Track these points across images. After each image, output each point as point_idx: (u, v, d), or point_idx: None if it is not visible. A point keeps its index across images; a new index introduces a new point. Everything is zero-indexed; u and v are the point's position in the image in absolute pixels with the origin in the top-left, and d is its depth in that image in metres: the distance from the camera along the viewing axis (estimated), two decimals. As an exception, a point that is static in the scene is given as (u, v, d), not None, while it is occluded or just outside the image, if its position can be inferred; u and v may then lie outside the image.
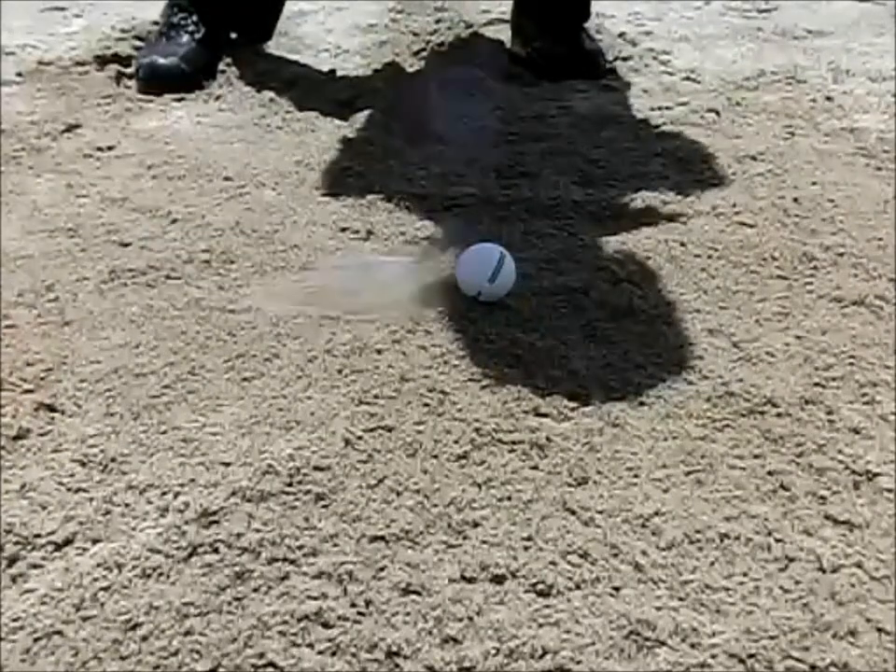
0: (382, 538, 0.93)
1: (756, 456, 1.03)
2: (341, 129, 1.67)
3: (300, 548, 0.91)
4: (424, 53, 1.96)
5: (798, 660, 0.82)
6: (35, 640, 0.83)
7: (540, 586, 0.88)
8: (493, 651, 0.83)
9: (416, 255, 1.33)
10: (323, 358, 1.14)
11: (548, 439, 1.04)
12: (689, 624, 0.85)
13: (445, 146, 1.62)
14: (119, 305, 1.24)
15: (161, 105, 1.75)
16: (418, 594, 0.87)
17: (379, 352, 1.15)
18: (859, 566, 0.90)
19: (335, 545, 0.92)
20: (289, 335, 1.18)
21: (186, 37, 1.84)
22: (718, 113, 1.74)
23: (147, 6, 1.99)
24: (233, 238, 1.37)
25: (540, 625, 0.85)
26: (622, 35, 2.04)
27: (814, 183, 1.51)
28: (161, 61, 1.79)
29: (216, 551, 0.91)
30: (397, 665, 0.82)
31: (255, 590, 0.88)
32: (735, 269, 1.32)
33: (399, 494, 0.97)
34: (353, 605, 0.86)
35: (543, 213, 1.45)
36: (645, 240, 1.37)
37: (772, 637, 0.84)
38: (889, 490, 0.98)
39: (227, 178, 1.52)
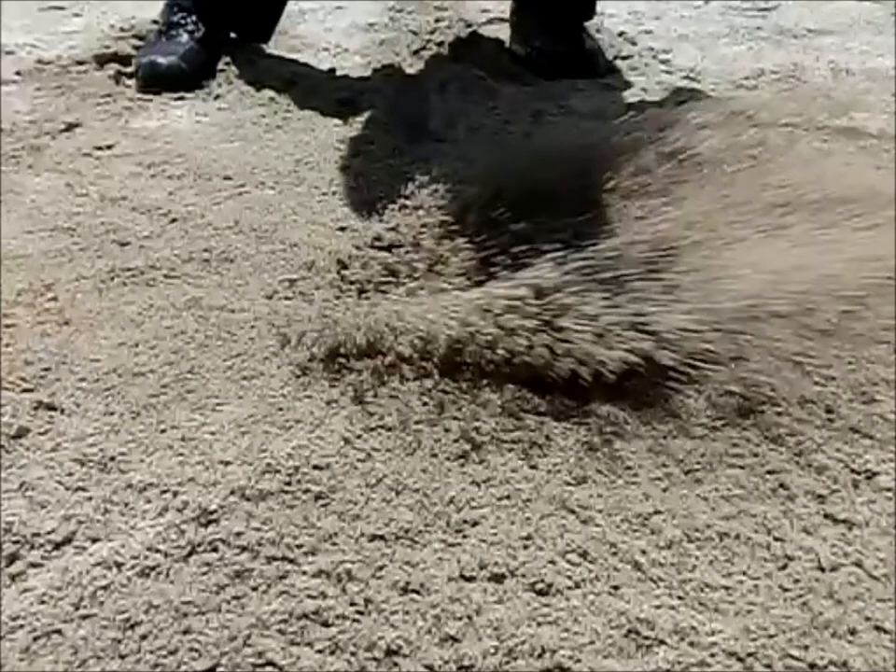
0: (381, 536, 0.93)
1: (755, 455, 1.03)
2: (340, 128, 1.67)
3: (299, 547, 0.91)
4: (423, 53, 1.95)
5: (797, 658, 0.82)
6: (35, 639, 0.83)
7: (539, 585, 0.88)
8: (492, 650, 0.83)
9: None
10: (322, 357, 1.14)
11: (547, 438, 1.04)
12: (688, 623, 0.85)
13: (445, 145, 1.61)
14: (119, 304, 1.23)
15: (160, 104, 1.75)
16: (417, 592, 0.87)
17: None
18: (858, 564, 0.90)
19: (334, 544, 0.92)
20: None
21: (185, 37, 1.84)
22: (717, 112, 1.73)
23: (146, 5, 1.99)
24: (233, 237, 1.37)
25: (539, 624, 0.85)
26: (621, 34, 2.03)
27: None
28: (161, 60, 1.79)
29: (215, 550, 0.91)
30: (396, 664, 0.82)
31: (254, 589, 0.88)
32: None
33: (398, 493, 0.97)
34: (352, 604, 0.86)
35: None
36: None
37: (771, 636, 0.84)
38: (889, 489, 0.98)
39: (226, 177, 1.52)
